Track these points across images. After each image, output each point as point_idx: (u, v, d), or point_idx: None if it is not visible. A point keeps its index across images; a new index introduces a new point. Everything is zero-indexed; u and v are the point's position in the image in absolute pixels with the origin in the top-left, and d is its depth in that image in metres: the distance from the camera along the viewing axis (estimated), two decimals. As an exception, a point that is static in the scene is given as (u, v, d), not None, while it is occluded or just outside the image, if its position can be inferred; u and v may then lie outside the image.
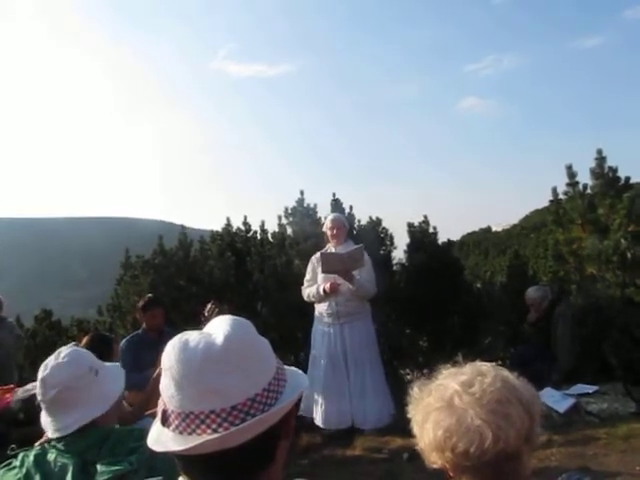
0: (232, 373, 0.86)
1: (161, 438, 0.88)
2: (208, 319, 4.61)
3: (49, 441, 1.78)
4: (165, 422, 0.88)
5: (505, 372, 1.07)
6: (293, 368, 1.00)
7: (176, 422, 0.86)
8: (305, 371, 1.00)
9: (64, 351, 1.87)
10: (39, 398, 1.80)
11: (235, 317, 0.96)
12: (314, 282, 5.00)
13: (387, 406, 4.83)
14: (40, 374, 1.81)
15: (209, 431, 0.83)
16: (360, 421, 4.80)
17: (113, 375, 2.00)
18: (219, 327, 0.92)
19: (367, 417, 4.78)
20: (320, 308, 4.98)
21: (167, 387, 0.88)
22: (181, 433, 0.85)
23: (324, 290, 4.80)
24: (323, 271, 4.82)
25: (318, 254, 5.01)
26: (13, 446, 1.83)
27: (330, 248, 5.03)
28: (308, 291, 5.01)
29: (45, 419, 1.81)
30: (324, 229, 5.15)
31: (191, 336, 0.91)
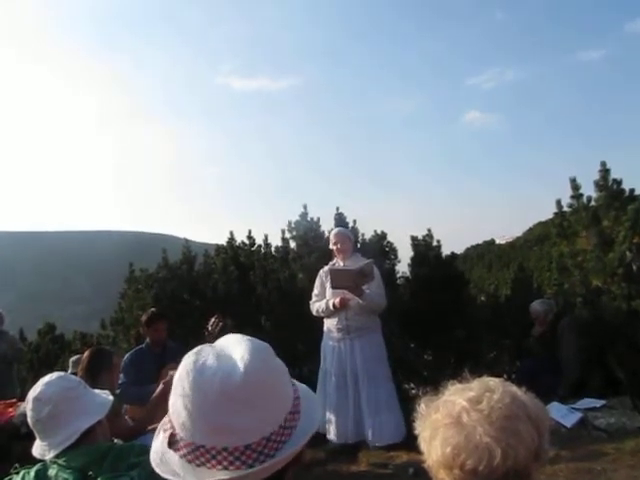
0: (249, 412, 0.81)
1: (167, 459, 0.85)
2: (212, 333, 4.61)
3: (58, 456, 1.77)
4: (172, 445, 0.84)
5: (513, 387, 1.05)
6: (304, 388, 0.96)
7: (185, 450, 0.82)
8: (309, 385, 0.96)
9: (49, 375, 1.90)
10: (33, 421, 1.79)
11: (254, 341, 0.90)
12: (323, 296, 4.94)
13: (401, 421, 4.75)
14: (31, 395, 1.81)
15: (219, 467, 0.80)
16: (376, 437, 4.69)
17: (101, 392, 2.02)
18: (238, 352, 0.85)
19: (383, 433, 4.68)
20: (329, 323, 4.92)
21: (179, 413, 0.83)
22: (189, 462, 0.82)
23: (334, 305, 4.74)
24: (332, 287, 4.77)
25: (326, 268, 4.96)
26: (16, 465, 1.82)
27: (338, 262, 4.97)
28: (317, 306, 4.94)
29: (41, 443, 1.79)
30: (330, 246, 5.09)
31: (207, 360, 0.84)
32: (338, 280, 4.69)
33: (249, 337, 0.90)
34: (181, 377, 0.84)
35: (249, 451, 0.81)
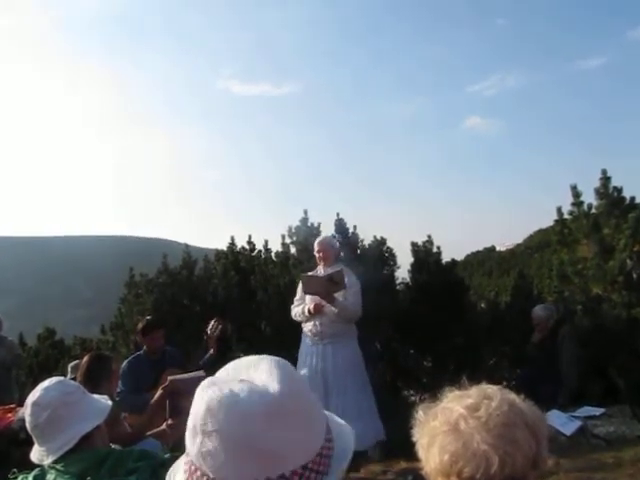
0: (294, 427, 0.74)
1: None
2: (211, 337, 4.62)
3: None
4: None
5: (511, 395, 1.05)
6: (338, 421, 0.88)
7: None
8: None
9: (48, 380, 1.91)
10: (31, 425, 1.79)
11: (270, 357, 0.82)
12: (302, 301, 5.01)
13: (372, 430, 4.73)
14: (30, 400, 1.81)
15: None
16: None
17: (100, 397, 2.01)
18: (262, 369, 0.78)
19: None
20: (306, 328, 4.99)
21: (214, 455, 0.72)
22: None
23: (309, 310, 4.80)
24: (304, 292, 4.88)
25: (301, 276, 5.06)
26: (14, 470, 1.82)
27: (320, 270, 5.06)
28: (295, 310, 5.04)
29: (39, 448, 1.79)
30: (315, 252, 5.15)
31: (232, 387, 0.75)
32: (308, 286, 4.81)
33: (260, 356, 0.83)
34: (210, 413, 0.73)
35: (307, 472, 0.74)
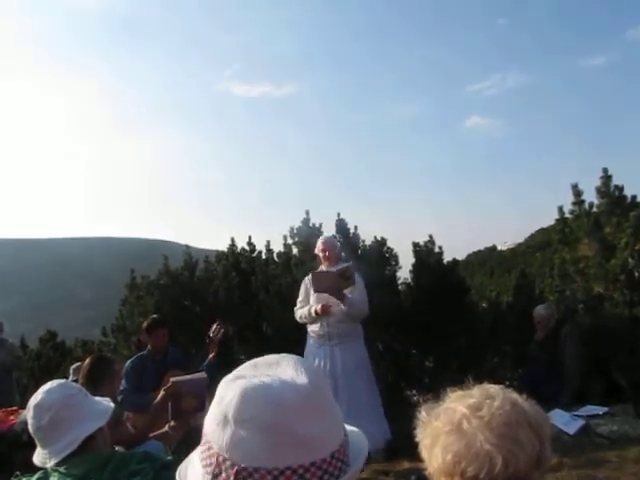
0: (324, 416, 0.78)
1: None
2: (213, 339, 4.61)
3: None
4: None
5: (514, 394, 1.05)
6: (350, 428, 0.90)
7: None
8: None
9: (50, 382, 1.91)
10: (34, 428, 1.79)
11: (297, 356, 0.84)
12: (306, 303, 4.95)
13: (383, 430, 4.73)
14: (32, 402, 1.81)
15: None
16: None
17: (102, 399, 2.01)
18: (287, 365, 0.81)
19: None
20: (311, 329, 4.94)
21: (245, 443, 0.73)
22: None
23: (315, 312, 4.75)
24: (315, 290, 4.77)
25: (310, 274, 4.99)
26: (17, 473, 1.82)
27: (323, 269, 5.00)
28: (300, 312, 4.96)
29: (41, 450, 1.79)
30: (316, 251, 5.09)
31: (263, 379, 0.77)
32: (319, 283, 4.70)
33: (279, 355, 0.85)
34: (245, 402, 0.74)
35: (334, 460, 0.77)
